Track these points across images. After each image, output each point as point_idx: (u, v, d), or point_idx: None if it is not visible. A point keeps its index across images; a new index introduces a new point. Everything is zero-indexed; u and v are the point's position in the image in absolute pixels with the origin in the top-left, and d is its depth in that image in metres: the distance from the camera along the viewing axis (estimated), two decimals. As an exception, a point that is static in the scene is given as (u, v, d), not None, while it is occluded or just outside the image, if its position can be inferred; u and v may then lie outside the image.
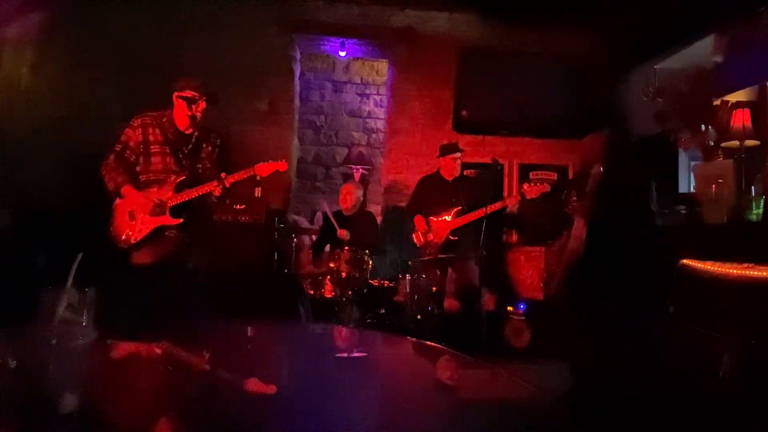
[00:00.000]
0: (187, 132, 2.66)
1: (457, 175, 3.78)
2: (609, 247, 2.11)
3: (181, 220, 2.58)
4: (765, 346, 1.92)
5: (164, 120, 2.64)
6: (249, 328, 1.75)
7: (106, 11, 3.98)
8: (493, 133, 4.96)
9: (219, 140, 2.77)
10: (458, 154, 3.78)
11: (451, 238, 3.67)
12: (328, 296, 3.58)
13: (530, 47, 4.72)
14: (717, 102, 3.60)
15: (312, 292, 3.63)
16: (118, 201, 2.64)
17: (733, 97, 3.50)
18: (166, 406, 0.97)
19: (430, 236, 3.72)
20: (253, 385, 1.17)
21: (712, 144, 3.64)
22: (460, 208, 3.64)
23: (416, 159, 5.03)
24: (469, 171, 4.08)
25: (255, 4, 4.57)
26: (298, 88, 5.23)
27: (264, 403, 1.01)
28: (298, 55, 5.13)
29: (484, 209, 3.39)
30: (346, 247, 3.58)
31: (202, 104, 2.58)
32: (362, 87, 6.09)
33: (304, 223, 4.88)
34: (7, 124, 3.40)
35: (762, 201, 2.98)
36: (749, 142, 3.33)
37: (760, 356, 1.89)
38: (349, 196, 3.98)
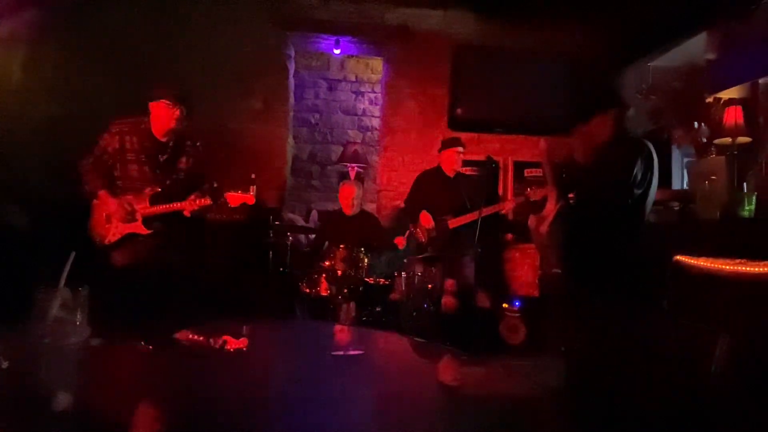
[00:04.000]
0: (163, 140, 2.63)
1: (458, 171, 3.76)
2: (603, 243, 2.13)
3: (150, 232, 2.60)
4: (757, 340, 1.94)
5: (142, 127, 2.63)
6: (244, 327, 1.74)
7: (99, 9, 3.95)
8: (487, 130, 4.96)
9: (197, 148, 2.74)
10: (461, 149, 3.76)
11: (451, 235, 3.66)
12: (323, 294, 3.58)
13: (525, 45, 4.73)
14: (710, 99, 3.63)
15: (307, 290, 3.62)
16: (95, 201, 2.66)
17: (725, 95, 3.52)
18: (162, 403, 0.97)
19: (434, 233, 3.71)
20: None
21: (705, 141, 3.66)
22: (462, 204, 3.61)
23: (412, 157, 5.02)
24: (465, 168, 4.07)
25: (249, 1, 4.55)
26: (292, 86, 5.21)
27: (261, 401, 1.01)
28: (293, 53, 5.11)
29: (486, 208, 3.41)
30: (341, 245, 3.57)
31: (178, 112, 2.55)
32: (357, 85, 6.08)
33: (300, 221, 4.87)
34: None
35: (754, 197, 3.01)
36: (741, 139, 3.35)
37: (752, 351, 1.91)
38: (351, 196, 3.95)
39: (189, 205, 2.55)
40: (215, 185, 2.61)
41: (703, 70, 3.66)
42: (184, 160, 2.70)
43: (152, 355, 1.26)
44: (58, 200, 2.80)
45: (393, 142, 5.04)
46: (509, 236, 4.62)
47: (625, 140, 2.25)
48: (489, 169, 3.90)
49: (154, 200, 2.60)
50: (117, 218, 2.59)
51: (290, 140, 5.18)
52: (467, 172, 3.63)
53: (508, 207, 3.54)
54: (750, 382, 1.80)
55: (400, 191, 5.03)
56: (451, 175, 3.76)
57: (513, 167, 5.02)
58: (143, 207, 2.60)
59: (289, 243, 3.98)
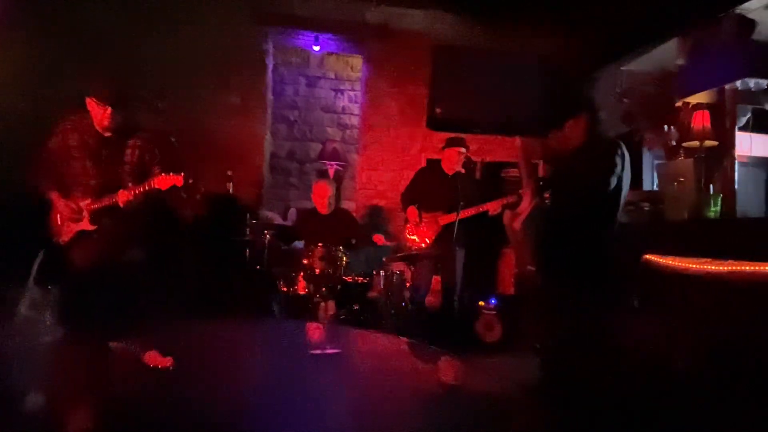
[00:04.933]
0: (106, 135, 2.59)
1: (457, 171, 3.79)
2: (577, 241, 2.18)
3: (96, 227, 2.56)
4: (721, 337, 2.02)
5: (84, 122, 2.58)
6: (221, 325, 1.72)
7: (72, 2, 3.84)
8: (466, 131, 5.01)
9: (145, 140, 2.67)
10: (463, 149, 3.79)
11: (441, 233, 3.68)
12: (301, 293, 3.55)
13: (504, 47, 4.79)
14: (679, 103, 3.74)
15: (285, 288, 3.60)
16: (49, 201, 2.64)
17: (693, 99, 3.64)
18: (139, 405, 0.95)
19: (421, 229, 3.73)
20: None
21: (674, 144, 3.78)
22: (456, 203, 3.61)
23: (391, 155, 5.04)
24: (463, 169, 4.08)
25: (227, -5, 4.48)
26: (270, 82, 5.15)
27: (238, 400, 1.00)
28: (271, 49, 5.05)
29: (473, 209, 3.45)
30: (319, 244, 3.56)
31: (108, 111, 2.49)
32: (336, 82, 6.05)
33: (277, 219, 4.82)
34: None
35: (719, 199, 3.13)
36: (708, 143, 3.47)
37: (717, 347, 1.99)
38: (326, 195, 3.93)
39: (123, 196, 2.49)
40: (190, 181, 2.56)
41: (673, 75, 3.78)
42: (128, 152, 2.64)
43: (121, 355, 1.23)
44: (24, 198, 2.72)
45: (372, 141, 5.04)
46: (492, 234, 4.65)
47: (600, 142, 2.31)
48: (472, 169, 3.93)
49: (100, 194, 2.57)
50: (64, 218, 2.59)
51: (268, 137, 5.13)
52: (463, 172, 3.66)
53: (497, 207, 3.55)
54: (713, 376, 1.87)
55: (379, 189, 5.04)
56: (450, 173, 3.78)
57: (490, 168, 5.09)
58: (88, 203, 2.57)
59: (266, 241, 3.94)
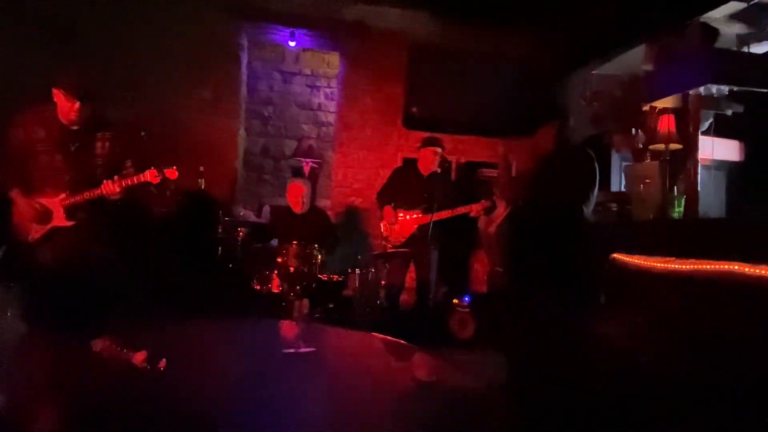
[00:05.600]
0: (73, 128, 2.49)
1: (432, 171, 3.80)
2: (547, 243, 2.23)
3: (73, 223, 2.47)
4: (684, 332, 2.10)
5: (47, 115, 2.47)
6: (192, 324, 1.69)
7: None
8: (441, 130, 5.05)
9: (111, 135, 2.58)
10: (439, 149, 3.80)
11: (416, 232, 3.70)
12: (275, 291, 3.51)
13: (479, 49, 4.85)
14: (646, 107, 3.87)
15: (258, 287, 3.55)
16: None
17: (660, 104, 3.76)
18: (114, 404, 0.92)
19: (396, 228, 3.73)
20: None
21: (641, 146, 3.91)
22: (431, 203, 3.62)
23: (367, 153, 5.03)
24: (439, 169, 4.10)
25: (201, -13, 4.39)
26: (245, 77, 5.07)
27: (210, 400, 0.98)
28: (246, 44, 4.97)
29: (451, 210, 3.47)
30: (294, 242, 3.53)
31: (77, 105, 2.41)
32: (312, 79, 6.01)
33: (251, 216, 4.75)
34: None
35: (683, 200, 3.25)
36: (673, 146, 3.60)
37: (680, 341, 2.07)
38: (300, 194, 3.89)
39: (109, 188, 2.42)
40: (160, 177, 2.50)
41: (641, 80, 3.90)
42: (99, 146, 2.55)
43: (94, 356, 1.19)
44: None
45: (348, 139, 5.02)
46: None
47: (571, 150, 2.37)
48: (447, 170, 3.97)
49: (76, 189, 2.47)
50: (27, 220, 2.46)
51: (242, 133, 5.04)
52: (439, 172, 3.67)
53: (480, 209, 3.56)
54: (676, 371, 1.95)
55: (355, 188, 5.03)
56: (426, 174, 3.80)
57: (465, 168, 5.15)
58: (62, 198, 2.46)
59: (239, 238, 3.87)
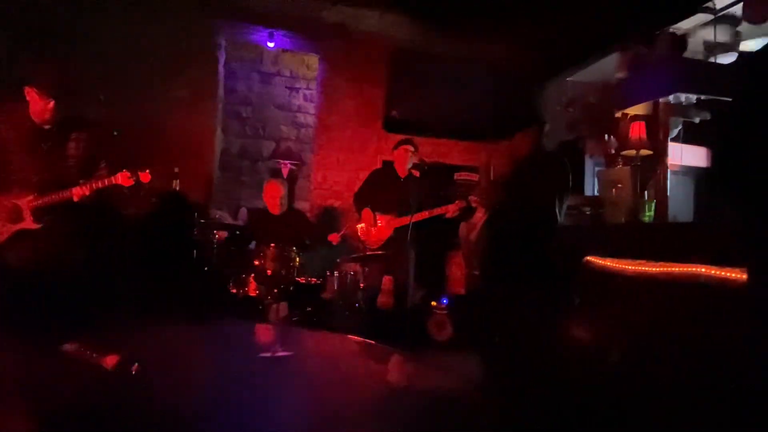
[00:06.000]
0: (45, 127, 2.42)
1: (409, 172, 3.82)
2: (523, 246, 2.26)
3: (40, 226, 2.39)
4: (654, 333, 2.16)
5: (19, 113, 2.39)
6: (166, 329, 1.65)
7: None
8: (421, 134, 5.08)
9: (85, 135, 2.52)
10: (411, 147, 3.82)
11: (393, 235, 3.70)
12: (252, 295, 3.47)
13: (458, 52, 4.90)
14: (619, 114, 3.98)
15: (235, 290, 3.50)
16: None
17: (631, 111, 3.87)
18: (85, 409, 0.90)
19: (374, 230, 3.73)
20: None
21: (614, 152, 4.01)
22: (408, 205, 3.63)
23: (346, 156, 5.02)
24: (415, 171, 4.13)
25: (177, -16, 4.31)
26: (222, 77, 5.00)
27: (184, 405, 0.96)
28: (223, 43, 4.90)
29: (428, 211, 3.49)
30: (271, 244, 3.49)
31: (51, 104, 2.34)
32: (292, 80, 5.96)
33: (227, 218, 4.68)
34: None
35: (653, 204, 3.35)
36: (644, 152, 3.71)
37: (650, 343, 2.13)
38: (278, 195, 3.85)
39: (78, 192, 2.35)
40: (132, 178, 2.44)
41: (614, 87, 4.01)
42: (72, 146, 2.48)
43: (62, 360, 1.16)
44: None
45: (328, 141, 5.00)
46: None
47: (547, 156, 2.42)
48: (425, 171, 4.00)
49: (43, 191, 2.39)
50: None
51: (219, 133, 4.97)
52: (416, 174, 3.69)
53: (451, 211, 3.60)
54: (646, 371, 2.00)
55: (334, 190, 5.01)
56: (403, 175, 3.81)
57: (444, 171, 5.19)
58: (30, 200, 2.38)
59: (215, 241, 3.81)
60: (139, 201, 3.55)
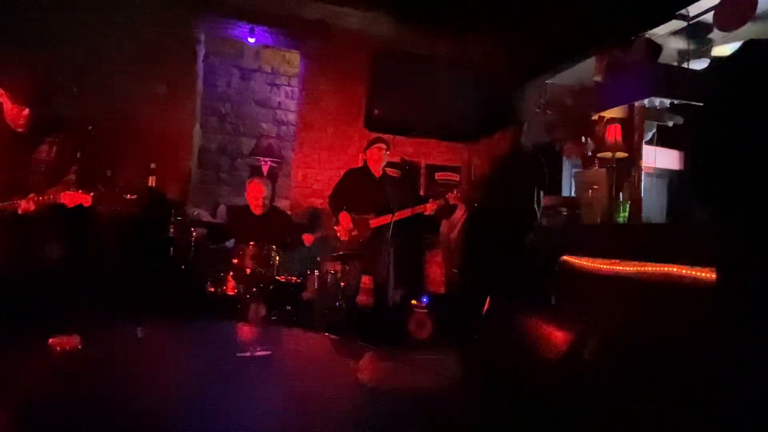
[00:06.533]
0: (17, 131, 2.34)
1: (384, 171, 3.81)
2: (500, 244, 2.29)
3: None
4: (627, 329, 2.21)
5: None
6: (141, 327, 1.62)
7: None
8: (403, 133, 5.09)
9: (60, 139, 2.44)
10: (384, 145, 3.82)
11: (371, 234, 3.69)
12: (230, 294, 3.42)
13: (440, 53, 4.93)
14: (595, 117, 4.06)
15: (212, 289, 3.44)
16: None
17: (608, 114, 3.95)
18: (53, 408, 0.87)
19: (354, 232, 3.72)
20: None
21: (590, 154, 4.09)
22: (385, 205, 3.64)
23: (327, 154, 4.99)
24: (390, 170, 4.13)
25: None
26: (201, 72, 4.91)
27: (161, 406, 0.94)
28: (203, 38, 4.82)
29: (408, 210, 3.50)
30: (251, 243, 3.45)
31: (26, 112, 2.26)
32: (272, 77, 5.90)
33: (206, 216, 4.60)
34: None
35: (628, 205, 3.43)
36: (619, 154, 3.79)
37: (623, 340, 2.18)
38: (261, 195, 3.80)
39: (23, 206, 2.27)
40: (109, 174, 2.38)
41: (591, 90, 4.09)
42: (44, 149, 2.41)
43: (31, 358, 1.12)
44: None
45: (309, 138, 4.97)
46: (423, 235, 4.78)
47: (525, 155, 2.45)
48: (404, 170, 4.01)
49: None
50: None
51: (197, 129, 4.89)
52: (392, 173, 3.70)
53: (429, 209, 3.61)
54: (618, 367, 2.05)
55: (315, 188, 4.98)
56: (378, 175, 3.80)
57: (426, 170, 5.22)
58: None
59: (192, 239, 3.74)
60: (113, 197, 3.45)
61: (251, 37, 4.78)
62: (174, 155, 4.47)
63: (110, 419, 0.86)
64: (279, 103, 5.92)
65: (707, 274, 1.91)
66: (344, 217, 3.73)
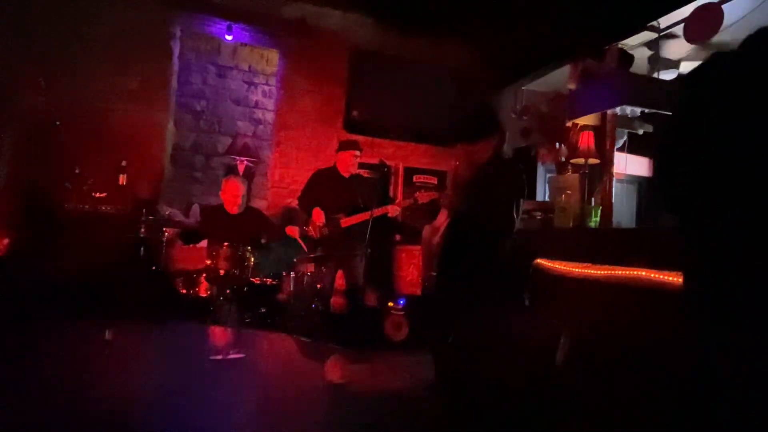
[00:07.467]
0: None
1: (353, 173, 3.81)
2: (480, 247, 2.32)
3: None
4: (598, 332, 2.27)
5: None
6: (109, 330, 1.57)
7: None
8: (381, 135, 5.10)
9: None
10: (358, 152, 3.82)
11: (342, 234, 3.68)
12: (203, 295, 3.35)
13: (419, 56, 4.96)
14: (569, 124, 4.15)
15: (184, 290, 3.36)
16: None
17: (581, 121, 4.05)
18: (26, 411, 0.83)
19: (325, 230, 3.70)
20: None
21: (564, 160, 4.19)
22: (355, 204, 3.65)
23: (305, 154, 4.96)
24: (363, 170, 4.14)
25: (129, -31, 4.11)
26: (176, 68, 4.81)
27: (132, 409, 0.92)
28: (178, 33, 4.72)
29: (377, 209, 3.51)
30: (225, 243, 3.38)
31: None
32: (250, 75, 5.82)
33: (178, 215, 4.50)
34: None
35: (599, 210, 3.51)
36: (592, 160, 3.89)
37: (593, 341, 2.23)
38: (238, 194, 3.74)
39: None
40: (77, 171, 2.30)
41: (565, 97, 4.18)
42: None
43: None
44: None
45: (287, 138, 4.92)
46: (398, 237, 4.80)
47: (505, 162, 2.49)
48: (382, 172, 4.03)
49: None
50: None
51: (171, 126, 4.78)
52: (362, 174, 3.70)
53: (396, 209, 3.68)
54: (588, 367, 2.10)
55: (293, 189, 4.93)
56: (346, 175, 3.80)
57: (403, 172, 5.25)
58: None
59: (164, 239, 3.65)
60: (81, 195, 3.35)
61: (229, 35, 4.71)
62: (146, 153, 4.36)
63: (78, 423, 0.83)
64: (256, 101, 5.84)
65: (674, 278, 1.97)
66: (317, 212, 3.71)
